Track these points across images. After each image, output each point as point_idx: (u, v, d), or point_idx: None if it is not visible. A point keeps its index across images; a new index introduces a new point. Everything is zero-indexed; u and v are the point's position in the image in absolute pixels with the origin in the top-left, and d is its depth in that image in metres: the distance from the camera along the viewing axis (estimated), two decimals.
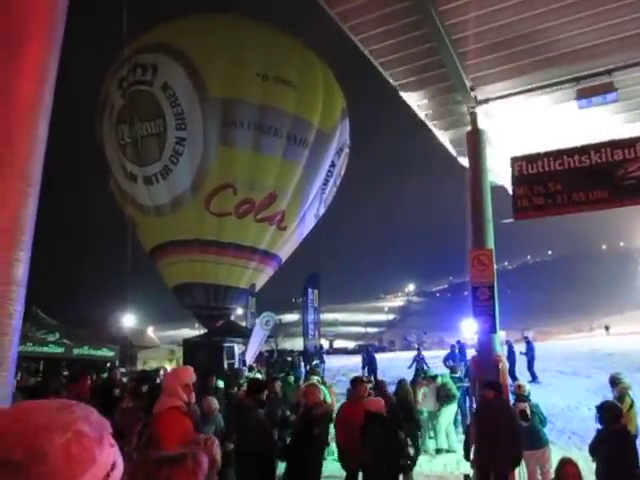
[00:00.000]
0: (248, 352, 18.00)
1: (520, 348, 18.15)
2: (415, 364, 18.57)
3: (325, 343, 41.78)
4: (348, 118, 21.89)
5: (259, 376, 12.97)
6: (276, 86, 18.74)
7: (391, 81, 8.64)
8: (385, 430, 5.10)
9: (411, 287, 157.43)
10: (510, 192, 8.23)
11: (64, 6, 2.36)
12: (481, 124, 8.33)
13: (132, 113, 19.31)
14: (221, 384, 10.15)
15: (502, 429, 5.70)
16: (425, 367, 17.02)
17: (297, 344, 28.54)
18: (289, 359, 19.45)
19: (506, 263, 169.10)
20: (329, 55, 22.57)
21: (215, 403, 6.93)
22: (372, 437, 5.08)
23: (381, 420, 5.17)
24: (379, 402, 5.53)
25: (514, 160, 7.99)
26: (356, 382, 7.05)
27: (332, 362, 24.85)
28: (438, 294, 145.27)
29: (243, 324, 22.72)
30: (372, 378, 12.10)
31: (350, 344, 54.24)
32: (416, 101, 9.04)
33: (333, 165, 21.11)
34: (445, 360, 17.54)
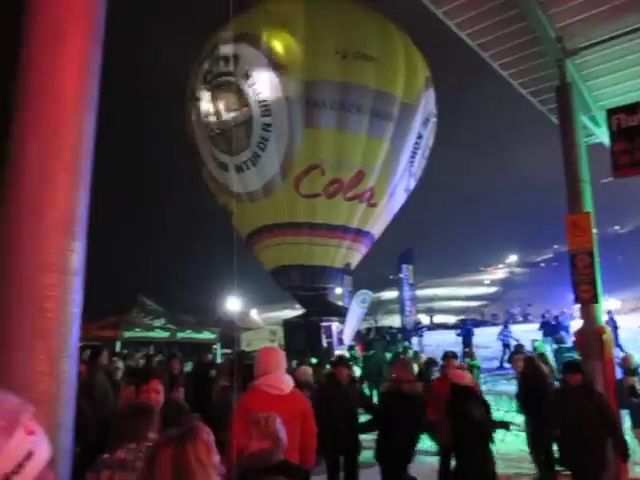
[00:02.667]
0: (346, 330, 18.17)
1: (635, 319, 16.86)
2: (502, 339, 17.77)
3: (425, 319, 41.30)
4: (433, 87, 21.17)
5: (347, 354, 13.06)
6: (356, 62, 18.50)
7: (469, 42, 8.22)
8: (470, 404, 4.91)
9: (513, 258, 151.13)
10: (608, 149, 7.58)
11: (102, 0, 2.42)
12: (570, 77, 7.71)
13: (218, 105, 19.90)
14: (314, 361, 10.33)
15: (591, 421, 5.04)
16: (513, 342, 16.30)
17: (396, 321, 28.41)
18: (387, 336, 19.38)
19: (617, 227, 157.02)
20: (405, 21, 21.89)
21: (308, 372, 7.14)
22: (458, 412, 4.93)
23: (467, 394, 4.99)
24: (466, 375, 5.34)
25: (611, 112, 7.31)
26: (446, 357, 6.94)
27: (432, 338, 24.49)
28: (543, 264, 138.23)
29: (341, 303, 22.92)
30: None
31: (451, 319, 53.19)
32: (498, 60, 8.55)
33: (420, 137, 20.58)
34: (500, 334, 17.07)
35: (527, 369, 7.31)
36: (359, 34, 18.81)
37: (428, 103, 20.72)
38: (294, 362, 10.56)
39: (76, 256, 2.19)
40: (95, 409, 5.17)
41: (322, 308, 20.88)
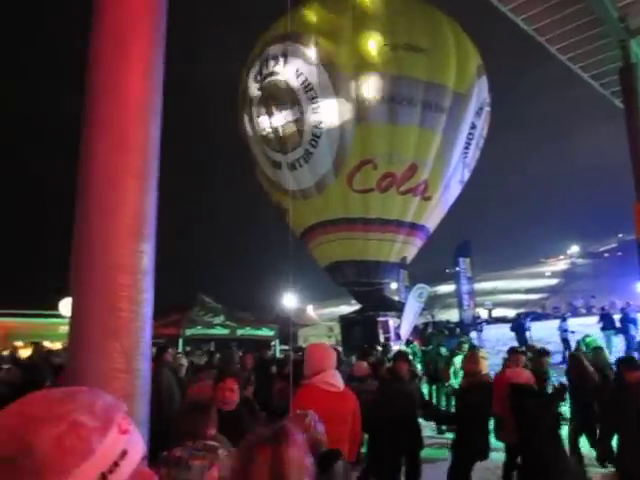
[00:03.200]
0: (403, 325, 18.04)
1: None
2: (560, 335, 17.15)
3: (484, 312, 40.43)
4: (485, 75, 20.67)
5: (408, 350, 12.92)
6: (406, 54, 18.30)
7: (524, 27, 7.98)
8: (530, 401, 4.77)
9: (575, 248, 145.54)
10: None
11: (164, 2, 2.49)
12: (635, 57, 7.35)
13: (270, 104, 20.13)
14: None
15: None
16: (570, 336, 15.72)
17: (454, 315, 27.96)
18: (445, 331, 19.11)
19: None
20: (455, 7, 21.45)
21: (365, 366, 7.15)
22: (517, 408, 4.81)
23: (525, 391, 4.86)
24: (523, 372, 5.20)
25: None
26: (511, 352, 6.79)
27: (491, 332, 23.95)
28: (606, 254, 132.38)
29: (397, 298, 22.76)
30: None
31: (510, 312, 51.82)
32: (556, 44, 8.26)
33: (474, 127, 20.15)
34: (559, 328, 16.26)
35: (571, 368, 6.94)
36: (408, 26, 18.60)
37: (481, 92, 20.26)
38: (353, 357, 10.57)
39: (146, 257, 2.27)
40: (161, 406, 5.33)
41: (378, 303, 20.79)
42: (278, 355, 13.87)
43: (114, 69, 2.33)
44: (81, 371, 2.22)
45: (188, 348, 14.96)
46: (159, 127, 2.43)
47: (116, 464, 0.79)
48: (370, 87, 18.62)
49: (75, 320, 2.28)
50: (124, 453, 0.81)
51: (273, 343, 17.86)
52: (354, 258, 20.62)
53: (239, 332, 16.12)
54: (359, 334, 18.79)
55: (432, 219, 21.65)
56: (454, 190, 21.47)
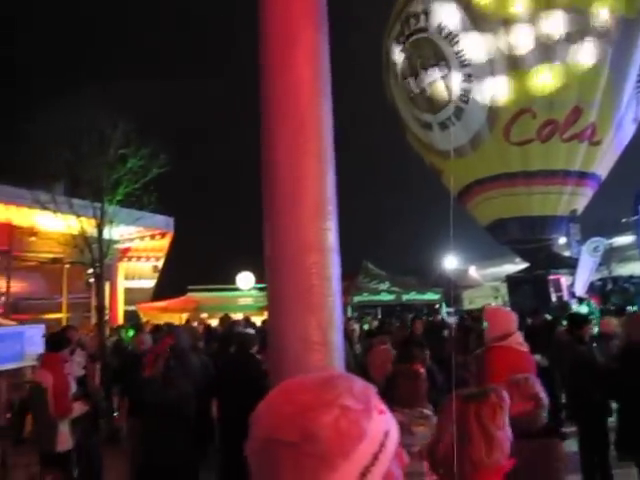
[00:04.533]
0: (577, 283, 16.79)
1: None
2: None
3: None
4: None
5: (586, 309, 11.99)
6: None
7: None
8: None
9: None
10: None
11: None
12: None
13: (415, 64, 19.64)
14: (548, 318, 9.75)
15: None
16: None
17: (636, 269, 25.33)
18: (631, 287, 17.36)
19: None
20: None
21: (614, 323, 6.83)
22: None
23: None
24: None
25: None
26: None
27: None
28: None
29: (567, 254, 21.23)
30: None
31: None
32: None
33: None
34: None
35: None
36: None
37: None
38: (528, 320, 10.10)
39: (331, 234, 2.38)
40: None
41: (548, 260, 19.57)
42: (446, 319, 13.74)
43: (285, 59, 2.43)
44: (283, 345, 2.39)
45: (355, 314, 15.44)
46: (330, 108, 2.50)
47: (382, 444, 0.82)
48: (520, 31, 17.27)
49: (272, 297, 2.46)
50: (387, 433, 0.84)
51: (437, 306, 17.73)
52: (517, 214, 19.59)
53: (404, 297, 16.27)
54: (528, 294, 17.87)
55: (603, 165, 19.72)
56: (627, 130, 19.28)
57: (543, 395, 2.80)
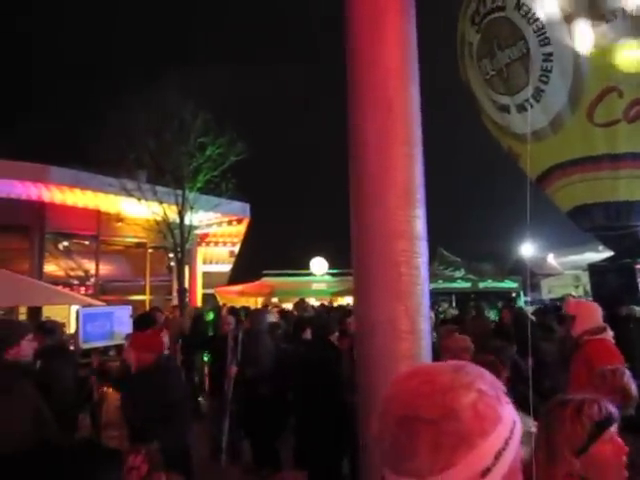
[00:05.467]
0: None
1: None
2: None
3: None
4: None
5: None
6: None
7: None
8: None
9: None
10: None
11: None
12: None
13: (491, 44, 18.92)
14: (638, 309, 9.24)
15: None
16: None
17: None
18: None
19: None
20: None
21: None
22: None
23: None
24: None
25: None
26: None
27: None
28: None
29: None
30: None
31: None
32: None
33: None
34: None
35: None
36: None
37: None
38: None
39: (420, 222, 2.38)
40: None
41: (634, 249, 18.47)
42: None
43: (374, 45, 2.42)
44: (370, 333, 2.42)
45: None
46: (418, 95, 2.47)
47: (512, 431, 0.85)
48: (605, 3, 16.22)
49: (360, 284, 2.49)
50: (515, 423, 0.87)
51: (514, 295, 17.19)
52: (602, 200, 18.53)
53: (481, 285, 15.88)
54: (613, 284, 16.99)
55: None
56: None
57: (632, 387, 2.70)
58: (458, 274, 15.75)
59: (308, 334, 6.46)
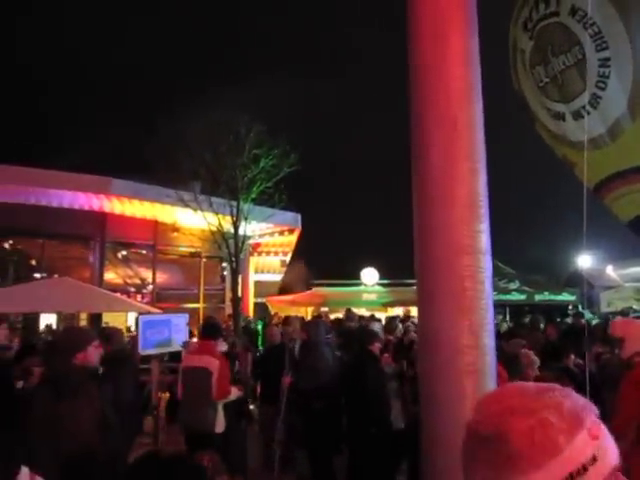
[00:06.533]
0: None
1: None
2: None
3: None
4: None
5: None
6: None
7: None
8: None
9: None
10: None
11: None
12: None
13: (544, 51, 18.46)
14: None
15: None
16: None
17: None
18: None
19: None
20: None
21: None
22: None
23: None
24: None
25: None
26: None
27: None
28: None
29: None
30: None
31: None
32: None
33: None
34: None
35: None
36: None
37: None
38: None
39: (484, 236, 2.39)
40: None
41: None
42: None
43: (437, 62, 2.47)
44: (433, 347, 2.44)
45: None
46: (481, 108, 2.49)
47: (584, 468, 0.82)
48: None
49: (424, 298, 2.52)
50: (594, 459, 0.83)
51: (570, 308, 16.65)
52: None
53: (537, 297, 15.42)
54: None
55: None
56: None
57: None
58: (513, 286, 15.36)
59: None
